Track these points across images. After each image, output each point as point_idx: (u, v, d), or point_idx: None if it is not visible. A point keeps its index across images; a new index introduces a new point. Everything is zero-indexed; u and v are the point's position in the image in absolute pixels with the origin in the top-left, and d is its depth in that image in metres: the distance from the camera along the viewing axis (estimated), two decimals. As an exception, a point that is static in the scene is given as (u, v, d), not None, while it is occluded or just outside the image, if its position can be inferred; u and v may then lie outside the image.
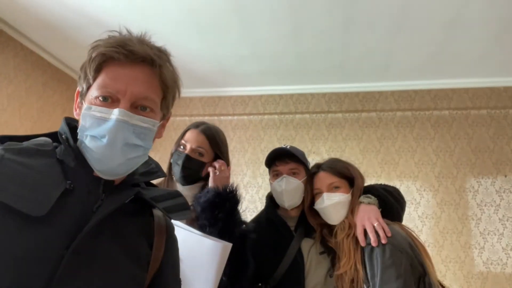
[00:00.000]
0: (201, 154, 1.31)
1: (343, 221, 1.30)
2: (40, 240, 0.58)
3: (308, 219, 1.44)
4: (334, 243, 1.34)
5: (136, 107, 0.69)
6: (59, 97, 3.19)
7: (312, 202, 1.41)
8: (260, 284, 1.34)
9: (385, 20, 2.45)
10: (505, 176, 3.02)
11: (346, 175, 1.39)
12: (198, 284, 1.06)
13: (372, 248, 1.17)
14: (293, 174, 1.46)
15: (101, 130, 0.66)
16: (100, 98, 0.68)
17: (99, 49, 0.69)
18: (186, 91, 3.62)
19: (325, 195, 1.34)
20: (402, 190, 3.20)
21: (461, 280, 2.88)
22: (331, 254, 1.37)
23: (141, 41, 0.72)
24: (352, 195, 1.35)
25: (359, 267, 1.19)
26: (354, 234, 1.25)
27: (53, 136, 0.74)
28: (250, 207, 3.16)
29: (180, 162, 1.28)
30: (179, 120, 3.47)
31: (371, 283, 1.15)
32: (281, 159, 1.48)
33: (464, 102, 3.22)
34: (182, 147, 1.32)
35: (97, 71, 0.69)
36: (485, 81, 3.15)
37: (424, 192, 3.11)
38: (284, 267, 1.35)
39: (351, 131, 3.34)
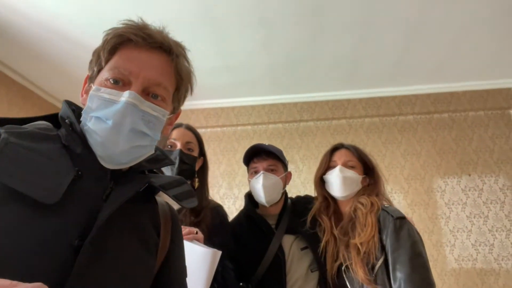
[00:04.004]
0: (191, 150, 1.36)
1: (365, 199, 1.37)
2: (51, 229, 0.54)
3: (315, 188, 1.49)
4: (324, 220, 1.41)
5: (148, 93, 0.66)
6: (25, 115, 3.06)
7: (324, 172, 1.47)
8: (241, 284, 1.33)
9: (351, 31, 2.56)
10: (469, 175, 3.18)
11: (364, 160, 1.46)
12: None
13: (402, 222, 1.26)
14: (271, 170, 1.48)
15: (108, 112, 0.62)
16: (111, 80, 0.64)
17: (116, 30, 0.66)
18: (158, 106, 3.58)
19: (340, 167, 1.41)
20: (375, 193, 3.28)
21: (435, 278, 2.94)
22: (314, 249, 1.39)
23: (160, 31, 0.70)
24: (374, 181, 1.44)
25: (376, 240, 1.26)
26: (376, 211, 1.32)
27: (51, 119, 0.70)
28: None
29: (174, 158, 1.30)
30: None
31: (391, 257, 1.22)
32: (259, 156, 1.50)
33: (427, 107, 3.38)
34: (170, 146, 1.35)
35: (112, 53, 0.66)
36: (445, 86, 3.34)
37: (395, 194, 3.21)
38: (265, 264, 1.36)
39: (323, 138, 3.42)
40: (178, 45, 0.73)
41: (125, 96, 0.63)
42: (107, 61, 0.66)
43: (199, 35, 2.58)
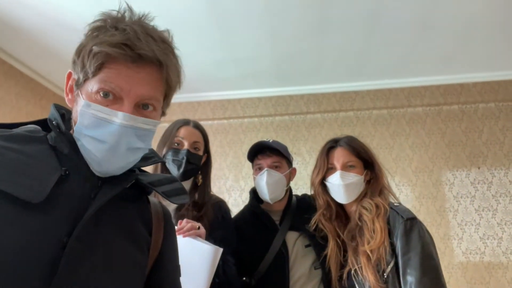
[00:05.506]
0: (197, 149, 1.37)
1: (369, 202, 1.31)
2: (38, 227, 0.55)
3: (316, 193, 1.42)
4: (328, 228, 1.36)
5: (139, 105, 0.67)
6: (33, 108, 3.11)
7: (324, 176, 1.39)
8: (244, 278, 1.34)
9: (358, 22, 2.52)
10: (479, 168, 3.14)
11: (362, 156, 1.38)
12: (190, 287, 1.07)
13: (412, 223, 1.21)
14: (275, 167, 1.48)
15: (103, 133, 0.62)
16: (100, 93, 0.63)
17: (102, 46, 0.62)
18: (164, 98, 3.59)
19: (340, 173, 1.34)
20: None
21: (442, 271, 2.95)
22: (317, 247, 1.38)
23: (146, 33, 0.65)
24: (375, 175, 1.37)
25: (387, 244, 1.21)
26: (383, 214, 1.26)
27: (41, 124, 0.71)
28: (234, 211, 3.14)
29: (181, 158, 1.31)
30: (159, 126, 3.43)
31: (401, 260, 1.17)
32: (263, 153, 1.50)
33: (436, 99, 3.33)
34: (177, 144, 1.34)
35: (99, 68, 0.63)
36: (455, 78, 3.28)
37: (402, 187, 3.19)
38: (268, 260, 1.36)
39: (330, 130, 3.40)
40: (167, 48, 0.68)
41: (119, 118, 0.62)
42: (94, 74, 0.64)
43: (206, 28, 2.55)
